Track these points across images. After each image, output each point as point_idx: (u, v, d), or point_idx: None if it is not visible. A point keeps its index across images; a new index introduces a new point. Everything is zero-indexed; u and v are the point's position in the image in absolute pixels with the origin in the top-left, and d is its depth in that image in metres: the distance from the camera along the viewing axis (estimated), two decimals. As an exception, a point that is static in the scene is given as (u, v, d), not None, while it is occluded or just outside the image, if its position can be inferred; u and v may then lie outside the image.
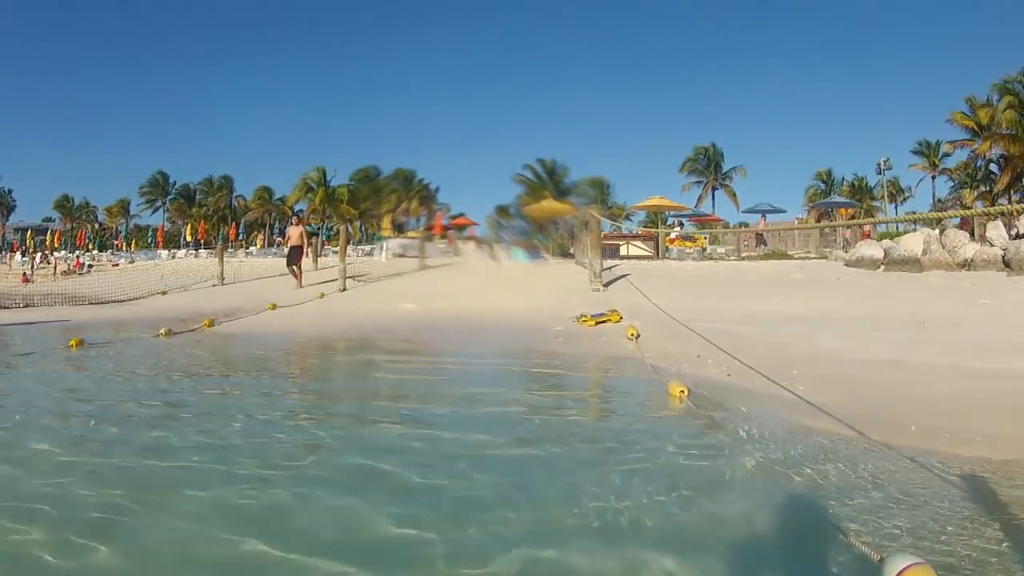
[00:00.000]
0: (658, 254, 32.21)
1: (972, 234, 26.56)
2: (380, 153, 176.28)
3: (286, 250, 22.26)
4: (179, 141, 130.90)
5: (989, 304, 11.39)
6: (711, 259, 28.80)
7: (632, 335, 9.20)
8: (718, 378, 6.94)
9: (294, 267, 20.63)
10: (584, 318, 10.81)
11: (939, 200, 68.35)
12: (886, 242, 21.41)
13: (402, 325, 12.19)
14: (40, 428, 5.28)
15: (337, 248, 25.81)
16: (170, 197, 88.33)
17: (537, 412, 5.74)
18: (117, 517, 3.37)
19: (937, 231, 20.78)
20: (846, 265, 20.39)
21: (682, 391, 5.94)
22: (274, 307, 15.01)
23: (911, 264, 19.04)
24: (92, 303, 18.54)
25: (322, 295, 17.41)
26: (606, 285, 15.55)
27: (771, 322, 10.10)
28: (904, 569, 2.44)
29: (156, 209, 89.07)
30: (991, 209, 32.92)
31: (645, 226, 41.19)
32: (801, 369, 6.90)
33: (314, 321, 13.15)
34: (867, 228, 30.96)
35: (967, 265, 18.50)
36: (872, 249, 20.53)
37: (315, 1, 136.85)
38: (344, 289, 18.51)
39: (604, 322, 10.58)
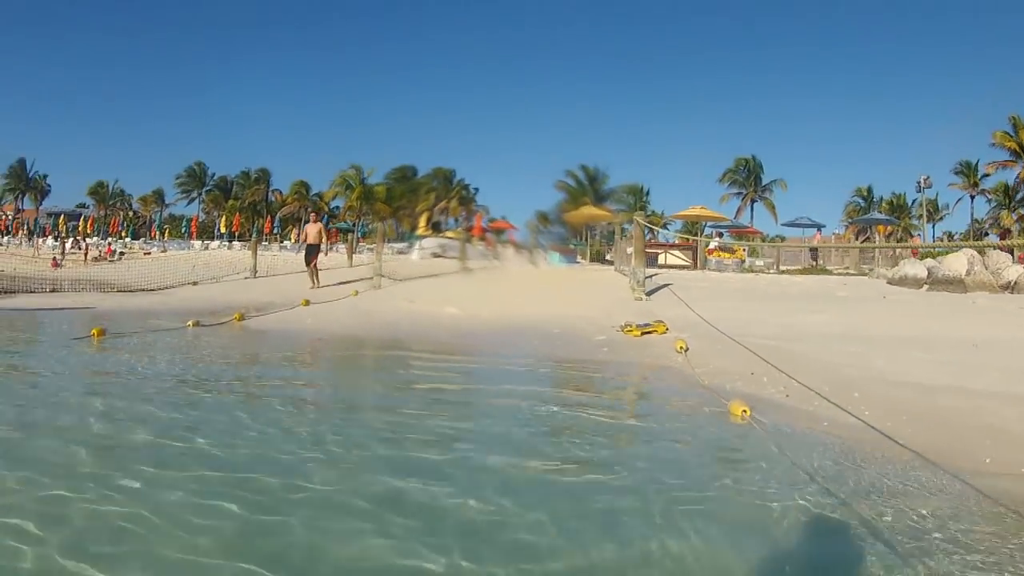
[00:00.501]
0: (695, 264, 31.88)
1: (1012, 255, 26.17)
2: (417, 155, 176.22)
3: (301, 249, 21.88)
4: (217, 135, 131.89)
5: (1042, 330, 11.10)
6: (751, 271, 28.39)
7: (681, 348, 9.02)
8: (776, 398, 6.73)
9: (311, 267, 19.92)
10: (629, 327, 10.63)
11: (976, 220, 67.62)
12: (929, 261, 20.99)
13: (441, 331, 11.98)
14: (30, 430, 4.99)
15: (372, 246, 25.75)
16: (206, 188, 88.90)
17: (587, 432, 5.49)
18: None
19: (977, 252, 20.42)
20: (888, 283, 20.01)
21: (744, 411, 5.77)
22: (307, 303, 14.97)
23: (955, 284, 18.67)
24: (121, 291, 18.59)
25: (356, 292, 17.34)
26: (648, 294, 15.35)
27: (821, 339, 9.84)
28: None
29: (192, 200, 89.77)
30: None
31: (682, 235, 40.82)
32: (862, 392, 6.67)
33: (348, 320, 13.09)
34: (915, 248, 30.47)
35: (1011, 288, 18.15)
36: (916, 268, 20.14)
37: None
38: (379, 287, 18.45)
39: (650, 332, 10.39)
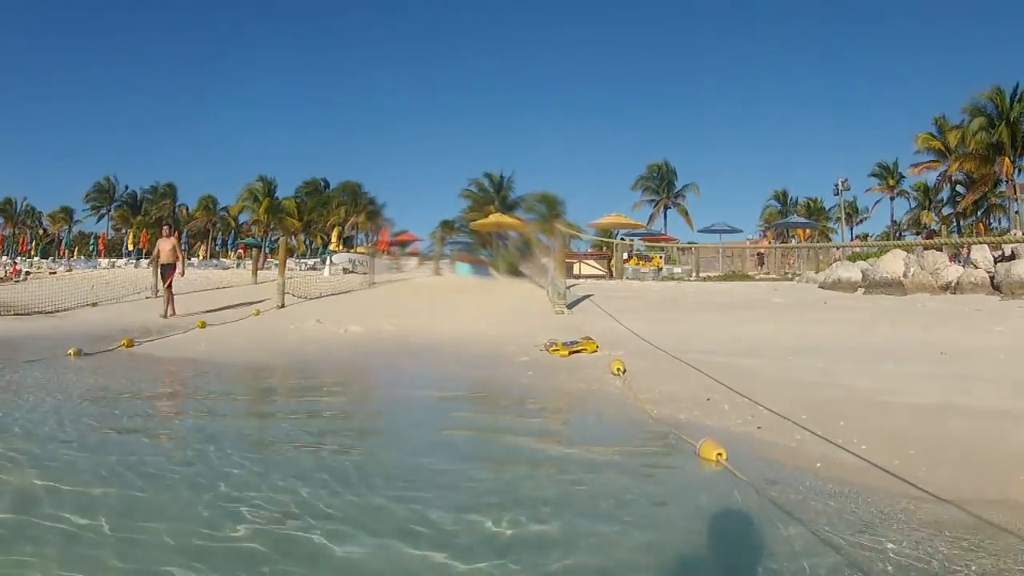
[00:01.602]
0: (611, 274, 30.77)
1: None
2: (326, 166, 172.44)
3: (151, 267, 18.00)
4: (126, 148, 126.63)
5: (1004, 331, 10.09)
6: (672, 279, 27.32)
7: (618, 370, 7.56)
8: (747, 432, 5.34)
9: (166, 290, 16.23)
10: (555, 347, 9.09)
11: (894, 221, 68.55)
12: (861, 264, 20.22)
13: (344, 351, 10.41)
14: None
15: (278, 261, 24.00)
16: (116, 204, 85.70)
17: (522, 500, 3.89)
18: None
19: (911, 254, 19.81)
20: (821, 287, 19.18)
21: (719, 454, 4.38)
22: (203, 325, 13.29)
23: (894, 287, 17.86)
24: (17, 314, 16.67)
25: (258, 312, 15.58)
26: (570, 307, 13.97)
27: (776, 353, 8.58)
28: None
29: (101, 216, 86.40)
30: (966, 239, 32.33)
31: (595, 245, 39.71)
32: (847, 418, 5.37)
33: (246, 344, 11.27)
34: (838, 252, 30.06)
35: (951, 288, 17.44)
36: (850, 271, 19.33)
37: (268, 9, 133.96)
38: (283, 306, 16.72)
39: (578, 351, 8.90)
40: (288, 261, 50.99)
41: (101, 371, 8.77)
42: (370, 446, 5.36)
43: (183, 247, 66.70)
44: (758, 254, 36.13)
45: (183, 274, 16.93)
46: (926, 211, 65.72)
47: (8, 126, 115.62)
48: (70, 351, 9.82)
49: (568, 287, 14.33)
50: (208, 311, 15.95)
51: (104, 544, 3.15)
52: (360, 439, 5.57)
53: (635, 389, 6.84)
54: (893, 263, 18.92)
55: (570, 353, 8.85)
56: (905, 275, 18.28)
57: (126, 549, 3.09)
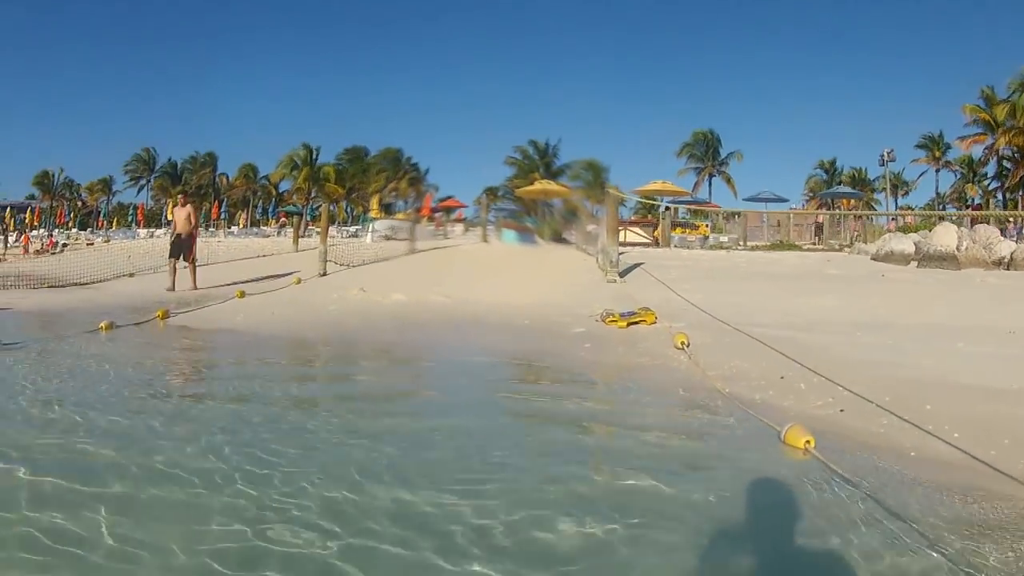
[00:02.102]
0: (658, 242, 30.25)
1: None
2: (368, 133, 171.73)
3: (170, 238, 16.79)
4: (165, 118, 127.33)
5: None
6: (721, 248, 26.85)
7: (682, 343, 7.33)
8: (828, 415, 5.09)
9: (181, 262, 15.71)
10: (612, 317, 8.86)
11: (938, 194, 67.24)
12: (914, 236, 19.69)
13: (388, 322, 10.23)
14: None
15: (320, 228, 23.82)
16: (155, 175, 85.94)
17: (597, 497, 3.61)
18: None
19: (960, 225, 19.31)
20: (873, 259, 18.69)
21: (808, 442, 4.15)
22: (242, 295, 13.21)
23: (948, 260, 17.32)
24: (52, 286, 16.84)
25: (299, 280, 15.54)
26: (621, 275, 13.71)
27: (840, 329, 8.27)
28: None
29: (141, 187, 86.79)
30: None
31: (639, 212, 39.09)
32: (933, 404, 5.08)
33: (286, 314, 11.19)
34: (891, 222, 29.40)
35: (1004, 263, 16.91)
36: (903, 243, 18.81)
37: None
38: (324, 273, 16.65)
39: (637, 323, 8.68)
40: (330, 228, 51.24)
41: (134, 345, 8.57)
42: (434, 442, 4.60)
43: (223, 215, 67.78)
44: (816, 224, 35.30)
45: (192, 248, 16.08)
46: (970, 184, 64.41)
47: (45, 98, 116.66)
48: (102, 325, 9.32)
49: (618, 255, 14.01)
50: (248, 281, 15.93)
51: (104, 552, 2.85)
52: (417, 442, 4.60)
53: (702, 365, 6.60)
54: (946, 236, 18.34)
55: (628, 324, 8.61)
56: (959, 248, 17.79)
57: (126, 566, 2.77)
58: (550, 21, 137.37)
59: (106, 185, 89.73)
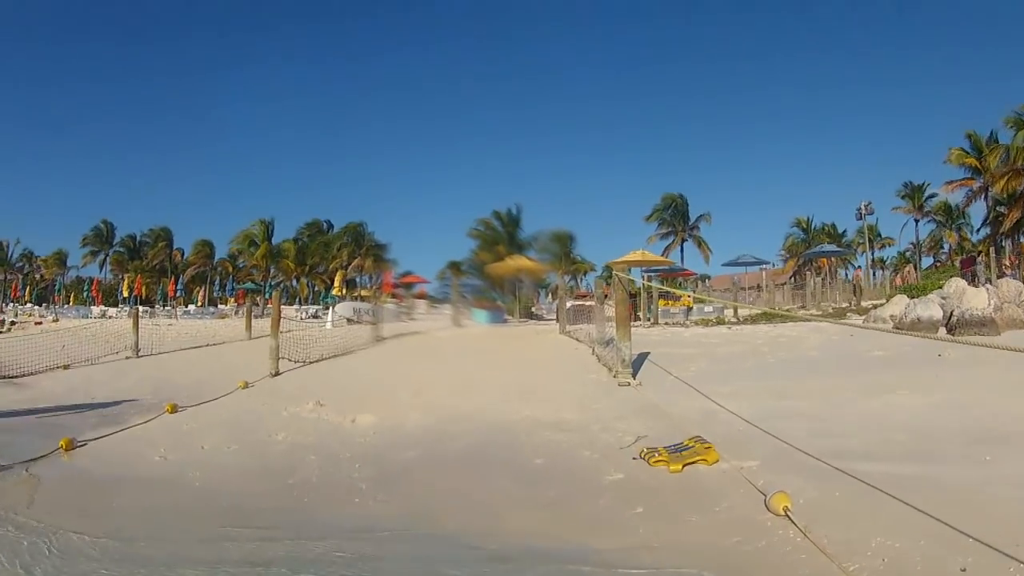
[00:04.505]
0: (638, 317, 27.87)
1: (973, 280, 23.67)
2: (326, 206, 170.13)
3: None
4: (121, 190, 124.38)
5: None
6: (720, 323, 24.54)
7: (785, 510, 4.95)
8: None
9: None
10: (657, 456, 6.38)
11: (916, 243, 66.54)
12: (935, 298, 17.65)
13: (355, 467, 7.17)
14: None
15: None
16: (114, 249, 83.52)
17: None
18: None
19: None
20: (896, 329, 16.48)
21: None
22: (173, 409, 10.46)
23: (987, 326, 15.41)
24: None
25: (246, 384, 12.85)
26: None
27: (956, 448, 6.32)
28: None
29: (104, 262, 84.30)
30: None
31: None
32: None
33: (220, 446, 8.26)
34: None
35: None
36: (929, 308, 16.80)
37: (267, 46, 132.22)
38: (276, 373, 14.04)
39: (694, 462, 6.26)
40: (288, 309, 48.61)
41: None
42: None
43: (180, 292, 65.09)
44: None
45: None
46: (949, 231, 63.53)
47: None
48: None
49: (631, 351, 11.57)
50: (191, 383, 13.08)
51: None
52: None
53: (831, 552, 4.22)
54: (976, 299, 16.51)
55: (683, 467, 6.20)
56: (997, 309, 15.89)
57: None
58: (509, 90, 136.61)
59: (61, 258, 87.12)
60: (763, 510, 5.06)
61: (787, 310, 27.34)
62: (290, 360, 15.24)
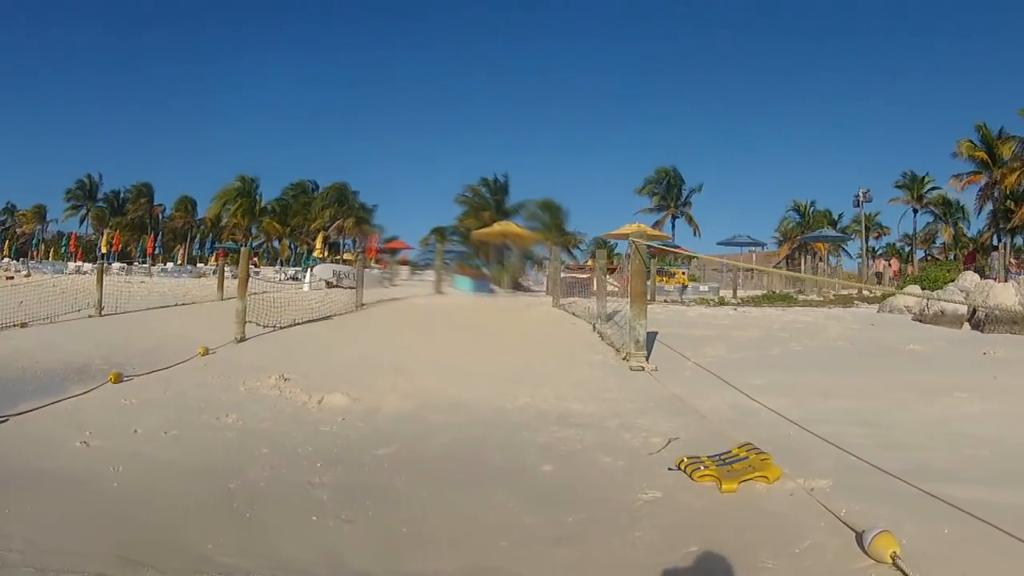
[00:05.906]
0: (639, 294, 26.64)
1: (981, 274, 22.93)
2: (312, 169, 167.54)
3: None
4: (104, 145, 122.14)
5: None
6: (723, 303, 23.31)
7: (893, 557, 3.64)
8: None
9: None
10: (703, 470, 5.05)
11: (906, 235, 65.79)
12: (955, 290, 16.64)
13: (316, 468, 5.58)
14: None
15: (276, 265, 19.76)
16: (96, 204, 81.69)
17: None
18: None
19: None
20: (915, 320, 15.52)
21: None
22: (117, 378, 8.98)
23: (1020, 324, 14.19)
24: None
25: (206, 351, 11.37)
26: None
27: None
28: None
29: (84, 217, 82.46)
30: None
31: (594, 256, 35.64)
32: None
33: (158, 430, 6.60)
34: (894, 268, 26.71)
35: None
36: (954, 302, 15.65)
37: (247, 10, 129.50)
38: (242, 339, 12.60)
39: (750, 479, 4.93)
40: (268, 269, 47.06)
41: None
42: None
43: (158, 249, 63.45)
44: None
45: None
46: (945, 226, 62.67)
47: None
48: None
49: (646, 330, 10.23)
50: (149, 348, 11.58)
51: None
52: None
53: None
54: (1004, 294, 15.48)
55: (738, 484, 4.86)
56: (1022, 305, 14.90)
57: None
58: (506, 65, 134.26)
59: (40, 212, 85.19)
60: (858, 553, 3.80)
61: (796, 292, 26.27)
62: (258, 324, 13.81)
